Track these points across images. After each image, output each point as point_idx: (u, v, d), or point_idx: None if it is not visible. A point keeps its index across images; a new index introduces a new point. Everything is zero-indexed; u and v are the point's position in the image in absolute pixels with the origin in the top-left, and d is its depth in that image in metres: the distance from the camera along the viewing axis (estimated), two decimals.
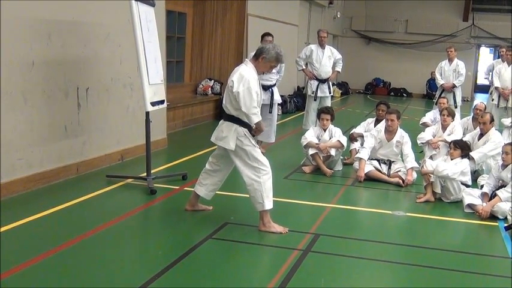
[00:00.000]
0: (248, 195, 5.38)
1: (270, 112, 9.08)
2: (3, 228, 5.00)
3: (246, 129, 5.23)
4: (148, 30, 6.65)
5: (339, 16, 22.25)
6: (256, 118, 5.13)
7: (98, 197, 6.22)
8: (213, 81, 12.86)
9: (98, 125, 7.29)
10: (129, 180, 6.86)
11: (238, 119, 5.21)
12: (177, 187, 6.74)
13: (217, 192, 6.60)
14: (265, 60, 5.22)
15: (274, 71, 8.85)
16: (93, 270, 4.31)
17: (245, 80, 5.09)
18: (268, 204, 5.28)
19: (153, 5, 6.91)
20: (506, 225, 5.79)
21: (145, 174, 6.75)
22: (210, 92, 12.71)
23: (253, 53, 5.51)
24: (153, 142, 7.54)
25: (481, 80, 23.56)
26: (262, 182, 5.23)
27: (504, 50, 12.23)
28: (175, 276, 4.27)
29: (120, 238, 5.10)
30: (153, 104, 6.63)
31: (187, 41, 12.87)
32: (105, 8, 7.25)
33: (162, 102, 6.98)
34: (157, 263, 4.45)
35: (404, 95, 23.14)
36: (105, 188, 6.55)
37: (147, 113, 6.62)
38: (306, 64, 10.66)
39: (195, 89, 12.93)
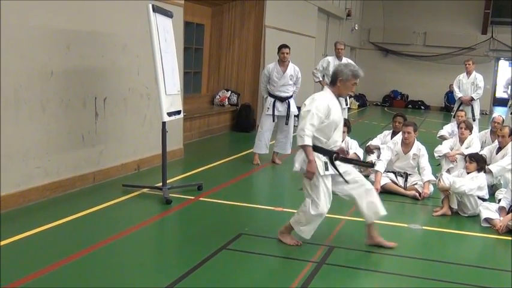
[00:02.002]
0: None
1: (287, 124, 9.09)
2: (19, 236, 5.04)
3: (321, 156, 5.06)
4: (166, 41, 6.70)
5: (356, 28, 22.25)
6: (301, 140, 4.95)
7: (113, 207, 6.25)
8: (230, 92, 12.90)
9: (115, 134, 7.34)
10: (145, 190, 6.88)
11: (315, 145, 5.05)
12: (192, 197, 6.75)
13: (232, 202, 6.64)
14: (343, 82, 5.03)
15: (290, 82, 8.94)
16: (108, 280, 4.32)
17: (313, 102, 5.00)
18: (299, 230, 5.21)
19: (171, 16, 6.97)
20: None
21: (161, 184, 6.77)
22: (226, 103, 12.75)
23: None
24: (169, 152, 7.57)
25: (500, 93, 23.38)
26: (310, 212, 5.11)
27: None
28: (189, 286, 4.26)
29: (134, 248, 5.12)
30: (169, 114, 6.66)
31: (204, 52, 12.94)
32: (123, 18, 7.32)
33: (178, 112, 7.01)
34: (171, 273, 4.45)
35: (422, 107, 23.02)
36: (121, 197, 6.58)
37: (164, 123, 6.65)
38: (323, 76, 10.64)
39: (212, 100, 12.98)
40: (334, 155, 5.09)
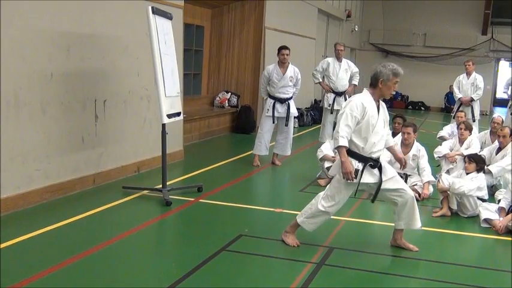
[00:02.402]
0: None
1: (286, 125, 9.10)
2: (19, 239, 5.05)
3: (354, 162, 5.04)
4: (166, 43, 6.71)
5: (356, 29, 22.26)
6: (336, 142, 4.95)
7: (113, 209, 6.26)
8: (230, 93, 12.91)
9: (115, 136, 7.35)
10: (145, 192, 6.90)
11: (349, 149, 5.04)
12: (192, 199, 6.76)
13: (232, 204, 6.66)
14: (385, 83, 5.00)
15: (290, 83, 8.96)
16: (108, 281, 4.33)
17: (349, 103, 5.01)
18: (302, 221, 5.28)
19: (170, 18, 6.98)
20: None
21: (161, 186, 6.78)
22: (227, 104, 12.77)
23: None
24: (169, 154, 7.59)
25: (500, 94, 23.39)
26: (318, 206, 5.19)
27: None
28: (189, 287, 4.27)
29: (134, 249, 5.13)
30: (169, 116, 6.68)
31: (204, 53, 12.95)
32: (123, 21, 7.34)
33: (178, 114, 7.03)
34: (171, 275, 4.46)
35: (423, 108, 23.03)
36: (121, 199, 6.59)
37: (164, 125, 6.66)
38: (323, 77, 10.66)
39: (212, 102, 12.99)
40: (371, 162, 5.04)
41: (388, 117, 5.25)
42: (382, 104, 5.18)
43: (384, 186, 5.13)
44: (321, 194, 5.24)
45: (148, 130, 8.02)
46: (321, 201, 5.18)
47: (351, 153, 5.00)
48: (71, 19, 6.42)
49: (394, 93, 5.27)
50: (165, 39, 6.72)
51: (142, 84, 7.78)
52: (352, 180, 5.00)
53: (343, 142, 4.91)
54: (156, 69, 6.43)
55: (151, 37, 6.39)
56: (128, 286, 4.28)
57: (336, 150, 5.18)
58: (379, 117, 5.04)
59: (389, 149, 5.61)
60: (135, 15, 7.41)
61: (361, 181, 5.04)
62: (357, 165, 5.01)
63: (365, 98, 5.02)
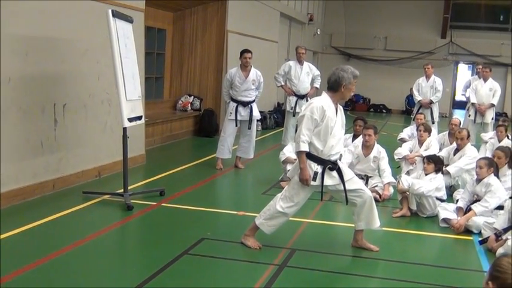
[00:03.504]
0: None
1: (249, 128, 9.12)
2: None
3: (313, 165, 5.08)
4: (126, 46, 6.67)
5: (318, 33, 22.44)
6: (297, 147, 5.02)
7: (74, 214, 6.17)
8: (192, 97, 12.87)
9: (75, 141, 7.26)
10: (106, 197, 6.82)
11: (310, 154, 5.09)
12: (154, 203, 6.72)
13: (194, 208, 6.65)
14: (347, 87, 5.09)
15: (253, 87, 8.98)
16: (68, 287, 4.27)
17: (309, 106, 5.07)
18: (260, 223, 5.29)
19: (131, 21, 6.94)
20: (480, 239, 5.85)
21: (122, 190, 6.72)
22: (189, 108, 12.71)
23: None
24: (131, 158, 7.53)
25: (459, 96, 23.85)
26: (276, 206, 5.22)
27: (481, 66, 12.44)
28: None
29: (95, 254, 5.07)
30: (130, 120, 6.63)
31: (166, 57, 12.89)
32: (83, 24, 7.26)
33: (139, 118, 6.99)
34: (132, 279, 4.42)
35: (384, 111, 23.34)
36: (82, 204, 6.50)
37: (125, 129, 6.61)
38: (285, 80, 10.72)
39: (174, 105, 12.93)
40: (330, 165, 5.10)
41: (344, 120, 5.32)
42: (340, 107, 5.25)
43: (340, 187, 5.19)
44: (279, 195, 5.28)
45: (110, 134, 7.95)
46: (279, 202, 5.21)
47: (311, 156, 5.06)
48: (29, 23, 6.32)
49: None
50: (126, 42, 6.67)
51: (103, 88, 7.70)
52: (308, 186, 5.06)
53: (304, 147, 4.98)
54: (117, 72, 6.38)
55: (111, 40, 6.33)
56: None
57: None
58: (337, 120, 5.11)
59: None
60: (95, 18, 7.33)
61: (313, 183, 5.08)
62: (316, 167, 5.06)
63: (324, 101, 5.07)
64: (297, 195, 5.17)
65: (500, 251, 5.34)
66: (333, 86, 5.13)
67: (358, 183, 5.35)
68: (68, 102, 7.02)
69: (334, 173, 5.15)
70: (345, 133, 8.66)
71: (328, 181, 5.12)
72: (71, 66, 7.08)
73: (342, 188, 5.18)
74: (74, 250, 5.06)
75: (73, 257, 4.91)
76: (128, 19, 6.87)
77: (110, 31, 6.33)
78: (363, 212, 5.33)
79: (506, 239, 5.39)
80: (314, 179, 5.06)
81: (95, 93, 7.59)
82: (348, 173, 5.28)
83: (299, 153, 5.04)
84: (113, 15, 6.38)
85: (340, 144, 5.21)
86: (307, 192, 5.20)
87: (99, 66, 7.58)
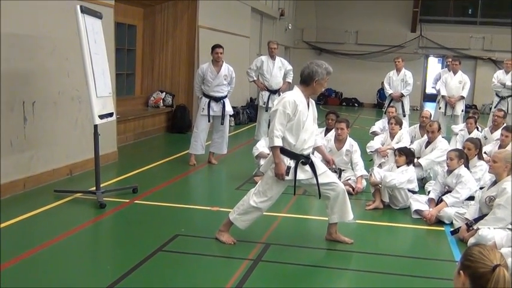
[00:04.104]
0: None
1: (222, 124, 9.09)
2: None
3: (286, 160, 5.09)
4: (96, 42, 6.58)
5: (290, 28, 22.47)
6: (271, 142, 5.02)
7: (45, 213, 6.09)
8: (164, 93, 12.78)
9: (46, 139, 7.15)
10: (78, 195, 6.74)
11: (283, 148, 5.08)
12: (127, 200, 6.66)
13: (168, 204, 6.61)
14: (319, 82, 5.09)
15: (225, 82, 8.96)
16: (41, 286, 4.21)
17: (281, 101, 5.05)
18: (234, 218, 5.28)
19: (100, 17, 6.86)
20: (452, 229, 5.92)
21: (94, 188, 6.65)
22: (161, 104, 12.64)
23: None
24: (103, 155, 7.46)
25: (430, 89, 24.11)
26: (249, 201, 5.21)
27: (450, 59, 12.58)
28: None
29: (68, 253, 5.01)
30: (101, 117, 6.56)
31: (137, 53, 12.78)
32: (51, 20, 7.14)
33: (110, 115, 6.91)
34: (106, 278, 4.38)
35: (356, 104, 23.48)
36: (53, 203, 6.41)
37: (96, 126, 6.54)
38: (258, 75, 10.71)
39: (146, 102, 12.83)
40: (302, 159, 5.11)
41: (316, 114, 5.33)
42: (311, 101, 5.26)
43: (313, 181, 5.21)
44: (253, 190, 5.28)
45: (81, 132, 7.85)
46: (252, 197, 5.21)
47: (283, 150, 5.06)
48: None
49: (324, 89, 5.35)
50: (95, 38, 6.59)
51: (72, 85, 7.60)
52: (283, 180, 5.07)
53: (278, 142, 4.98)
54: (86, 69, 6.30)
55: (80, 37, 6.25)
56: None
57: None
58: (309, 114, 5.13)
59: (318, 149, 5.68)
60: (63, 14, 7.21)
61: (296, 178, 5.11)
62: (289, 162, 5.07)
63: (296, 96, 5.08)
64: (271, 189, 5.18)
65: (471, 240, 5.42)
66: (306, 79, 5.13)
67: (331, 177, 5.38)
68: (37, 100, 6.91)
69: (307, 167, 5.17)
70: (319, 127, 8.70)
71: (301, 175, 5.14)
72: (40, 63, 6.97)
73: (315, 181, 5.19)
74: (46, 249, 4.99)
75: (45, 257, 4.84)
76: (97, 15, 6.78)
77: (79, 27, 6.24)
78: (336, 205, 5.36)
79: (477, 229, 5.47)
80: (287, 173, 5.08)
81: (64, 90, 7.48)
82: (320, 167, 5.30)
83: (273, 148, 5.05)
84: (82, 11, 6.30)
85: (312, 138, 5.22)
86: (281, 187, 5.21)
87: (68, 63, 7.47)
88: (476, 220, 5.63)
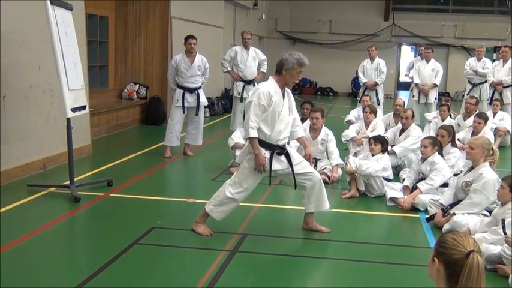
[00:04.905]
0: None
1: (197, 115, 9.05)
2: None
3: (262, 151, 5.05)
4: (66, 34, 6.49)
5: (264, 18, 22.41)
6: (247, 133, 4.99)
7: (19, 208, 6.00)
8: (138, 85, 12.67)
9: (17, 133, 7.04)
10: (52, 189, 6.66)
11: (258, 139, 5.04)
12: (102, 194, 6.60)
13: (143, 197, 6.57)
14: (289, 71, 5.03)
15: (199, 73, 8.91)
16: (16, 282, 4.15)
17: (255, 92, 5.01)
18: (210, 209, 5.26)
19: (70, 8, 6.75)
20: (427, 216, 5.98)
21: (68, 182, 6.57)
22: (135, 96, 12.53)
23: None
24: (76, 149, 7.37)
25: (403, 78, 24.27)
26: (225, 192, 5.19)
27: (423, 48, 12.67)
28: (100, 284, 4.17)
29: (43, 249, 4.95)
30: (74, 110, 6.47)
31: (110, 45, 12.63)
32: (20, 14, 7.01)
33: (83, 108, 6.83)
34: (81, 272, 4.34)
35: (331, 94, 23.54)
36: (27, 198, 6.33)
37: (68, 120, 6.46)
38: (232, 66, 10.66)
39: (120, 94, 12.71)
40: (278, 150, 5.10)
41: (294, 104, 5.33)
42: (288, 91, 5.25)
43: (288, 170, 5.21)
44: (228, 181, 5.26)
45: (53, 125, 7.74)
46: (228, 188, 5.19)
47: (258, 141, 5.04)
48: None
49: (297, 81, 5.29)
50: (66, 30, 6.49)
51: (44, 78, 7.48)
52: (264, 171, 5.07)
53: (254, 133, 4.96)
54: (58, 62, 6.21)
55: (50, 29, 6.15)
56: (37, 285, 4.13)
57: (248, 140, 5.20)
58: (284, 105, 5.11)
59: (299, 140, 5.63)
60: (33, 6, 7.07)
61: (271, 169, 5.10)
62: (264, 153, 5.06)
63: (271, 86, 5.06)
64: (246, 180, 5.16)
65: (446, 226, 5.48)
66: (277, 68, 5.13)
67: (307, 167, 5.37)
68: (7, 94, 6.79)
69: (283, 158, 5.17)
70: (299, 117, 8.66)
71: (276, 166, 5.14)
72: (9, 57, 6.83)
73: (291, 171, 5.19)
74: (20, 245, 4.92)
75: (19, 253, 4.77)
76: (68, 6, 6.68)
77: (49, 20, 6.14)
78: (313, 194, 5.37)
79: (453, 214, 5.53)
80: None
81: (36, 83, 7.36)
82: (296, 157, 5.29)
83: (250, 139, 5.02)
84: (51, 3, 6.18)
85: (288, 128, 5.21)
86: (257, 178, 5.20)
87: (39, 56, 7.35)
88: (452, 205, 5.70)
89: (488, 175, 5.52)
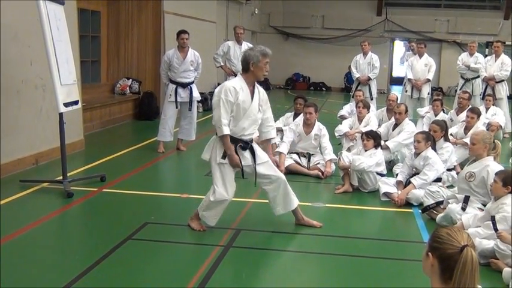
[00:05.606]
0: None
1: (190, 110, 9.04)
2: None
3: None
4: (58, 29, 6.45)
5: (256, 12, 22.37)
6: (220, 131, 4.95)
7: (11, 203, 5.97)
8: (131, 80, 12.63)
9: (9, 128, 6.99)
10: (45, 185, 6.63)
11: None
12: (95, 189, 6.57)
13: (137, 192, 6.55)
14: (256, 65, 5.01)
15: (191, 68, 8.89)
16: (9, 277, 4.13)
17: (221, 89, 4.99)
18: (202, 215, 5.23)
19: (62, 3, 6.71)
20: (422, 208, 5.99)
21: (61, 177, 6.54)
22: (128, 91, 12.48)
23: None
24: (69, 144, 7.34)
25: (396, 73, 24.32)
26: (209, 197, 5.15)
27: (414, 44, 12.70)
28: (94, 280, 4.17)
29: (36, 244, 4.94)
30: (66, 105, 6.44)
31: (102, 40, 12.56)
32: (10, 7, 6.95)
33: (76, 102, 6.80)
34: (74, 268, 4.32)
35: (324, 89, 23.53)
36: (19, 193, 6.29)
37: (61, 115, 6.42)
38: (225, 61, 10.65)
39: (112, 89, 12.65)
40: (240, 144, 5.08)
41: (266, 102, 5.26)
42: (260, 89, 5.22)
43: (257, 170, 5.16)
44: (212, 186, 5.19)
45: (46, 120, 7.70)
46: (210, 193, 5.15)
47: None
48: None
49: (267, 73, 5.18)
50: (58, 25, 6.45)
51: (36, 73, 7.43)
52: (239, 168, 5.05)
53: (227, 130, 4.95)
54: (50, 56, 6.17)
55: (42, 24, 6.11)
56: (30, 282, 4.12)
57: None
58: (253, 102, 5.08)
59: (265, 143, 5.49)
60: (24, 1, 7.03)
61: (222, 161, 5.06)
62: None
63: (236, 83, 5.06)
64: (216, 179, 5.10)
65: (440, 215, 5.51)
66: (243, 66, 5.12)
67: (271, 169, 5.29)
68: None
69: (247, 154, 5.14)
70: (288, 111, 8.69)
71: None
72: (1, 51, 6.79)
73: (254, 169, 5.17)
74: (13, 241, 4.90)
75: (11, 249, 4.75)
76: (59, 1, 6.63)
77: (40, 14, 6.10)
78: (278, 197, 5.33)
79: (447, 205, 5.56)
80: (224, 157, 5.04)
81: (27, 78, 7.32)
82: (261, 156, 5.22)
83: (223, 137, 4.99)
84: None
85: (254, 125, 5.17)
86: (225, 170, 5.09)
87: (31, 51, 7.30)
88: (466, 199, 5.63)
89: (495, 168, 5.48)
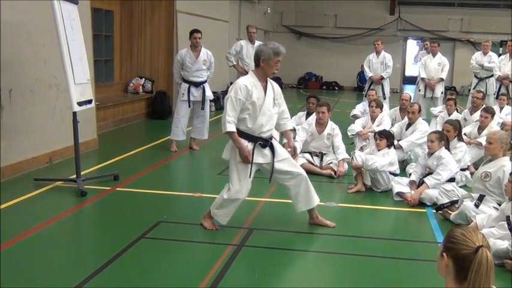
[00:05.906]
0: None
1: (203, 109, 9.05)
2: None
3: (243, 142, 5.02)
4: (72, 28, 6.48)
5: (269, 11, 22.35)
6: (224, 128, 4.96)
7: (25, 202, 6.01)
8: (143, 79, 12.67)
9: (23, 127, 7.05)
10: (59, 183, 6.67)
11: (240, 130, 5.04)
12: (108, 188, 6.60)
13: (149, 191, 6.57)
14: (267, 62, 4.99)
15: (204, 67, 8.90)
16: (23, 276, 4.17)
17: (233, 87, 5.01)
18: (213, 213, 5.23)
19: (76, 2, 6.74)
20: (436, 206, 5.96)
21: (75, 176, 6.58)
22: (141, 90, 12.53)
23: None
24: (82, 143, 7.38)
25: (409, 72, 24.21)
26: (223, 195, 5.16)
27: (428, 43, 12.63)
28: (107, 278, 4.18)
29: (50, 242, 4.97)
30: (80, 104, 6.48)
31: (115, 39, 12.61)
32: (25, 7, 7.00)
33: (89, 101, 6.83)
34: (88, 266, 4.35)
35: (336, 88, 23.49)
36: (33, 192, 6.34)
37: (75, 113, 6.46)
38: (237, 60, 10.65)
39: (125, 88, 12.70)
40: (260, 142, 5.06)
41: (278, 95, 5.24)
42: (273, 83, 5.21)
43: (277, 167, 5.15)
44: (227, 183, 5.20)
45: (59, 119, 7.75)
46: (225, 190, 5.16)
47: (241, 133, 5.02)
48: None
49: (276, 71, 5.15)
50: (72, 24, 6.49)
51: (50, 72, 7.48)
52: (249, 162, 5.03)
53: (231, 127, 4.94)
54: (63, 56, 6.21)
55: (56, 23, 6.14)
56: (44, 281, 4.14)
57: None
58: (267, 97, 5.07)
59: (285, 134, 5.55)
60: (38, 0, 7.08)
61: (253, 161, 5.05)
62: (247, 144, 5.04)
63: (249, 80, 5.05)
64: (232, 177, 5.11)
65: (455, 213, 5.49)
66: (255, 61, 5.12)
67: (293, 165, 5.28)
68: (14, 88, 6.80)
69: (267, 151, 5.12)
70: (299, 111, 8.68)
71: (259, 159, 5.09)
72: (15, 50, 6.84)
73: (275, 167, 5.15)
74: (27, 239, 4.93)
75: (26, 247, 4.78)
76: (73, 1, 6.67)
77: (54, 14, 6.13)
78: (300, 194, 5.31)
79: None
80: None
81: (42, 77, 7.37)
82: (281, 154, 5.21)
83: (229, 133, 4.99)
84: None
85: (272, 121, 5.15)
86: (243, 169, 5.09)
87: (44, 50, 7.35)
88: (481, 198, 5.60)
89: (510, 168, 5.44)
